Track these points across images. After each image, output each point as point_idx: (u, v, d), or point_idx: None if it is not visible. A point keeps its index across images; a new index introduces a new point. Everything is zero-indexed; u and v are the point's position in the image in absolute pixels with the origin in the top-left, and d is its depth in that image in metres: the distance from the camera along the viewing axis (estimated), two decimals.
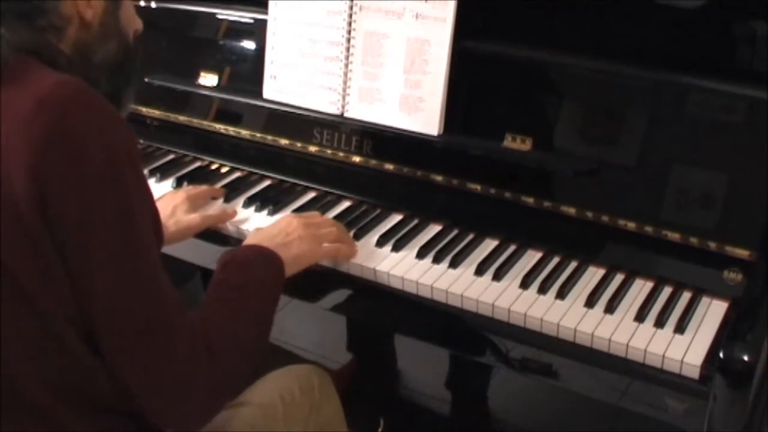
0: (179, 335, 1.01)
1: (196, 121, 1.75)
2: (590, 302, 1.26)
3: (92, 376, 1.03)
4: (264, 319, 1.16)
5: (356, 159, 1.56)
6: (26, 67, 0.99)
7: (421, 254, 1.39)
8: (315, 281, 1.40)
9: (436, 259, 1.38)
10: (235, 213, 1.53)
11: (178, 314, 1.02)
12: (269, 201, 1.57)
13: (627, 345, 1.18)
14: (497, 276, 1.33)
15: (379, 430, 1.85)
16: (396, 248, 1.41)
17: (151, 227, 1.02)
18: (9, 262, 0.95)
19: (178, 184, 1.68)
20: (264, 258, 1.22)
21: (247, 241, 1.31)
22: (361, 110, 1.54)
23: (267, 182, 1.67)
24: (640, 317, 1.23)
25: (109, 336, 1.00)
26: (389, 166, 1.52)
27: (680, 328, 1.20)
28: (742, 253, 1.24)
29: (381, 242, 1.43)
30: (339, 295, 1.42)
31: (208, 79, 1.74)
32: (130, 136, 1.00)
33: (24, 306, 0.97)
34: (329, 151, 1.58)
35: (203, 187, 1.60)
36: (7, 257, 0.95)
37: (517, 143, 1.41)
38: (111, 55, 1.11)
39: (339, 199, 1.58)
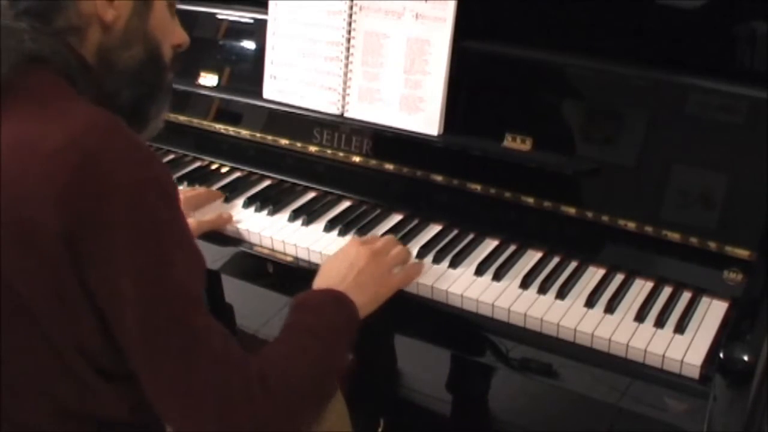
0: (227, 372, 0.97)
1: (196, 121, 1.75)
2: (590, 302, 1.26)
3: (99, 401, 1.02)
4: (331, 365, 1.10)
5: (356, 159, 1.56)
6: (48, 88, 0.95)
7: (421, 254, 1.39)
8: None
9: (436, 259, 1.38)
10: (231, 218, 1.53)
11: (224, 352, 0.98)
12: (269, 201, 1.57)
13: (627, 345, 1.18)
14: (497, 276, 1.33)
15: (379, 430, 1.85)
16: None
17: (187, 263, 0.98)
18: (25, 292, 0.93)
19: (178, 184, 1.68)
20: (336, 302, 1.17)
21: (318, 282, 1.24)
22: (361, 110, 1.54)
23: (267, 182, 1.67)
24: (640, 317, 1.23)
25: (149, 378, 0.97)
26: (389, 166, 1.52)
27: (680, 328, 1.20)
28: (742, 253, 1.24)
29: None
30: None
31: (208, 79, 1.74)
32: (163, 172, 0.97)
33: (35, 334, 0.96)
34: (329, 151, 1.58)
35: (201, 190, 1.60)
36: (23, 287, 0.93)
37: (517, 143, 1.40)
38: (135, 63, 1.07)
39: (339, 199, 1.59)
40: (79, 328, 0.96)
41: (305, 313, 1.14)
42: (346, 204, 1.57)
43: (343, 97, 1.56)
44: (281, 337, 1.10)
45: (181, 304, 0.96)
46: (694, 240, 1.27)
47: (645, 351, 1.17)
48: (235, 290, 2.20)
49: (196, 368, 0.95)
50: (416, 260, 1.36)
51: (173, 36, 1.14)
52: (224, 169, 1.73)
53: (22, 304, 0.94)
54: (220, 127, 1.72)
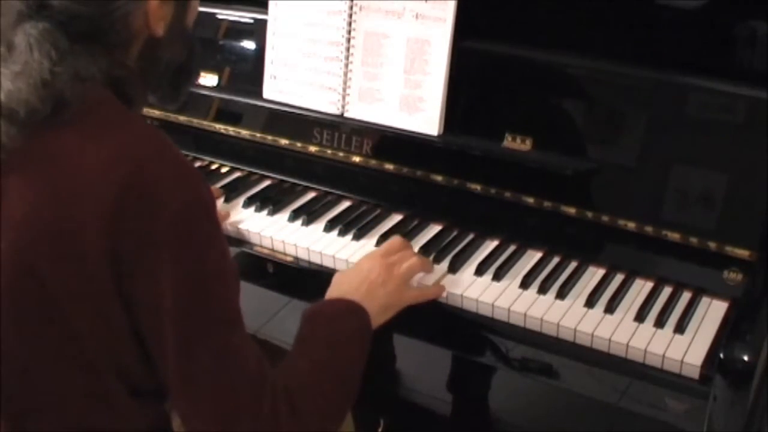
0: (259, 393, 0.98)
1: (196, 121, 1.75)
2: (590, 302, 1.26)
3: (123, 417, 1.03)
4: (350, 374, 1.12)
5: (356, 159, 1.56)
6: (98, 103, 0.95)
7: (421, 254, 1.39)
8: (315, 281, 1.40)
9: (436, 260, 1.38)
10: (228, 215, 1.53)
11: (258, 372, 0.99)
12: (269, 201, 1.57)
13: (627, 345, 1.18)
14: (497, 276, 1.33)
15: (379, 430, 1.85)
16: None
17: (227, 281, 0.99)
18: (70, 310, 0.94)
19: None
20: (349, 311, 1.17)
21: (330, 292, 1.24)
22: (361, 110, 1.54)
23: (267, 182, 1.67)
24: (640, 317, 1.23)
25: (184, 397, 0.98)
26: (389, 166, 1.52)
27: (680, 328, 1.20)
28: (742, 253, 1.24)
29: (381, 243, 1.43)
30: None
31: (208, 79, 1.73)
32: (206, 190, 0.99)
33: (72, 349, 0.97)
34: (329, 151, 1.58)
35: None
36: (68, 305, 0.94)
37: (517, 143, 1.40)
38: (177, 58, 1.08)
39: (339, 199, 1.59)
40: (117, 346, 0.97)
41: (319, 325, 1.14)
42: (346, 204, 1.57)
43: (343, 97, 1.56)
44: (299, 350, 1.11)
45: (220, 322, 0.97)
46: (694, 240, 1.27)
47: (645, 351, 1.17)
48: None
49: (230, 388, 0.97)
50: (439, 281, 1.33)
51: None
52: (224, 169, 1.73)
53: (66, 321, 0.95)
54: (220, 127, 1.72)
